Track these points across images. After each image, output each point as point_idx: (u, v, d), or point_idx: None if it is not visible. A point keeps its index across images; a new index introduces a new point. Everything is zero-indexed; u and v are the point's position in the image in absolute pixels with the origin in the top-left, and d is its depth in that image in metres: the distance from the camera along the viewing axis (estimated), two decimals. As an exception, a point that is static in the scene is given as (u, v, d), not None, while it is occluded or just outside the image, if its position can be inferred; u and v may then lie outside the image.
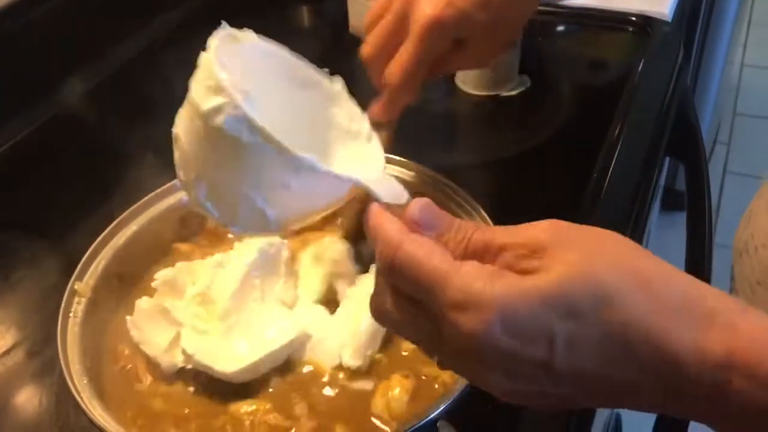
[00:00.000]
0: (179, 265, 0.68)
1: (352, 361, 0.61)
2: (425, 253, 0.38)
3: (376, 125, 0.56)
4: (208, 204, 0.45)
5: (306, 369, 0.63)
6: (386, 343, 0.63)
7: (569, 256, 0.36)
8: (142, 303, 0.64)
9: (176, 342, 0.62)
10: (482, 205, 0.67)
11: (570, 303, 0.35)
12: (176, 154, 0.46)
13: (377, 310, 0.42)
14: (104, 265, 0.66)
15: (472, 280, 0.37)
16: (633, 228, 0.77)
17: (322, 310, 0.66)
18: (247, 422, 0.59)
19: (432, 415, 0.53)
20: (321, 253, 0.67)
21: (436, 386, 0.60)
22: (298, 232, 0.70)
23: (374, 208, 0.42)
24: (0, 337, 0.71)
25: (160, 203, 0.71)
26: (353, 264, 0.66)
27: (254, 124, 0.41)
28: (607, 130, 0.86)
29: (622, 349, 0.35)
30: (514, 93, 0.97)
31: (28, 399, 0.66)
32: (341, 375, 0.62)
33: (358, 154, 0.50)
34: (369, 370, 0.62)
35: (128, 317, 0.64)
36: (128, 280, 0.69)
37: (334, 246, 0.67)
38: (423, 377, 0.61)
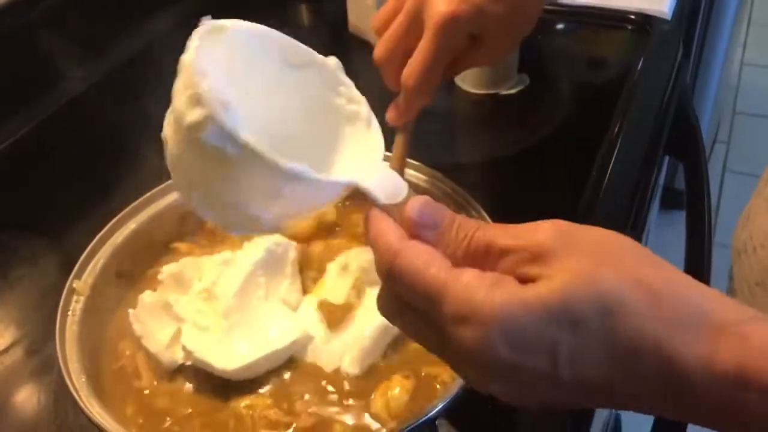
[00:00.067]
0: (186, 259, 0.68)
1: (351, 368, 0.61)
2: (423, 262, 0.38)
3: (393, 129, 0.55)
4: (200, 208, 0.44)
5: (307, 366, 0.62)
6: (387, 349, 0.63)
7: (573, 263, 0.35)
8: (146, 297, 0.64)
9: (177, 338, 0.62)
10: (481, 204, 0.67)
11: (573, 313, 0.34)
12: (167, 158, 0.45)
13: (383, 310, 0.42)
14: (103, 263, 0.66)
15: (472, 291, 0.36)
16: (632, 227, 0.77)
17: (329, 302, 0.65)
18: (248, 417, 0.59)
19: (431, 414, 0.53)
20: (348, 263, 0.67)
21: (437, 386, 0.60)
22: (323, 239, 0.71)
23: (373, 215, 0.41)
24: (-1, 335, 0.71)
25: (159, 201, 0.71)
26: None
27: (237, 138, 0.39)
28: (607, 128, 0.86)
29: (627, 360, 0.35)
30: (513, 91, 0.97)
31: (26, 397, 0.66)
32: (341, 373, 0.62)
33: (356, 141, 0.48)
34: (369, 369, 0.61)
35: (131, 311, 0.64)
36: (127, 278, 0.69)
37: (361, 255, 0.66)
38: (423, 377, 0.60)
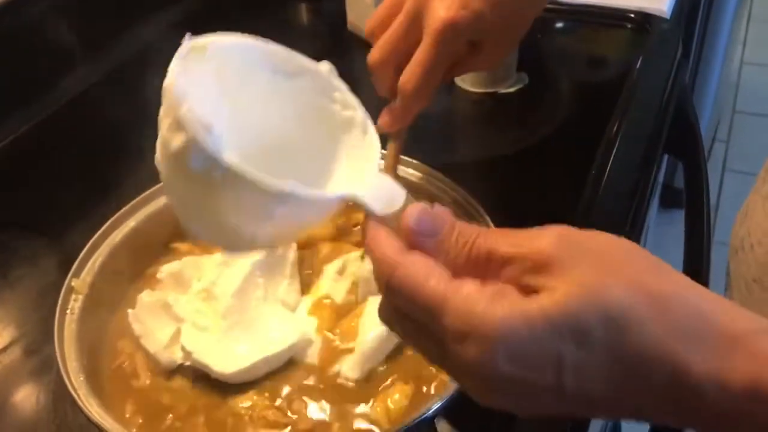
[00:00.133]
0: (186, 259, 0.67)
1: (350, 372, 0.61)
2: (422, 275, 0.37)
3: (386, 135, 0.54)
4: (196, 231, 0.44)
5: (306, 368, 0.62)
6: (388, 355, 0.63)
7: (577, 273, 0.34)
8: (145, 296, 0.64)
9: (176, 338, 0.62)
10: (480, 203, 0.67)
11: (578, 327, 0.33)
12: (161, 178, 0.44)
13: (384, 320, 0.41)
14: (101, 261, 0.66)
15: (472, 304, 0.35)
16: (631, 225, 0.77)
17: (329, 313, 0.65)
18: (246, 417, 0.59)
19: (429, 413, 0.53)
20: (346, 266, 0.66)
21: (435, 388, 0.60)
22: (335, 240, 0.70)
23: (370, 226, 0.40)
24: (-2, 334, 0.71)
25: (159, 200, 0.71)
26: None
27: (221, 162, 0.38)
28: (606, 127, 0.86)
29: (634, 375, 0.34)
30: (512, 90, 0.97)
31: (25, 397, 0.66)
32: (341, 376, 0.61)
33: (353, 149, 0.47)
34: (369, 374, 0.61)
35: (130, 310, 0.64)
36: (126, 276, 0.69)
37: (358, 262, 0.66)
38: (423, 383, 0.60)
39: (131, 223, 0.69)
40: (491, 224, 0.65)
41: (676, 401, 0.34)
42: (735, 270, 0.69)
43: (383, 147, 0.49)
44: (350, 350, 0.61)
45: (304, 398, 0.60)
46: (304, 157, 0.47)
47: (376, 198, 0.42)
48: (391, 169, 0.57)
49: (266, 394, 0.60)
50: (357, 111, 0.47)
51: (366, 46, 0.62)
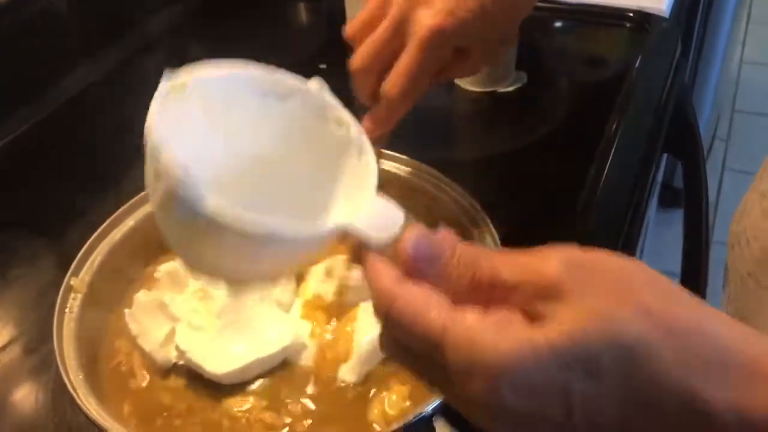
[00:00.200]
0: None
1: (347, 375, 0.61)
2: (422, 307, 0.35)
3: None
4: (191, 267, 0.43)
5: (302, 370, 0.62)
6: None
7: (586, 301, 0.33)
8: (141, 296, 0.64)
9: (172, 337, 0.62)
10: (479, 201, 0.67)
11: (587, 357, 0.32)
12: (156, 219, 0.44)
13: (385, 351, 0.40)
14: (100, 260, 0.66)
15: (475, 336, 0.33)
16: (630, 225, 0.77)
17: (323, 317, 0.65)
18: (243, 420, 0.59)
19: (427, 411, 0.53)
20: (334, 267, 0.66)
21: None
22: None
23: (368, 257, 0.39)
24: (-3, 334, 0.71)
25: (157, 200, 0.71)
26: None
27: (202, 212, 0.37)
28: (605, 126, 0.86)
29: (648, 405, 0.32)
30: (511, 89, 0.97)
31: (24, 396, 0.66)
32: (338, 380, 0.61)
33: (349, 172, 0.46)
34: (366, 377, 0.61)
35: (126, 310, 0.64)
36: (124, 275, 0.69)
37: (345, 265, 0.65)
38: (420, 384, 0.59)
39: (130, 222, 0.69)
40: (490, 224, 0.65)
41: (692, 429, 0.32)
42: (731, 265, 0.69)
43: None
44: (346, 354, 0.61)
45: (302, 401, 0.60)
46: (300, 183, 0.46)
47: (373, 226, 0.40)
48: None
49: (263, 396, 0.60)
50: (351, 128, 0.46)
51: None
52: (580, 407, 0.33)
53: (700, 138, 1.02)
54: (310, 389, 0.61)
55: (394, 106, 0.58)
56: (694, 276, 0.99)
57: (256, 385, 0.61)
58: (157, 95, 0.41)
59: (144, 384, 0.62)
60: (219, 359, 0.60)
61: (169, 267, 0.66)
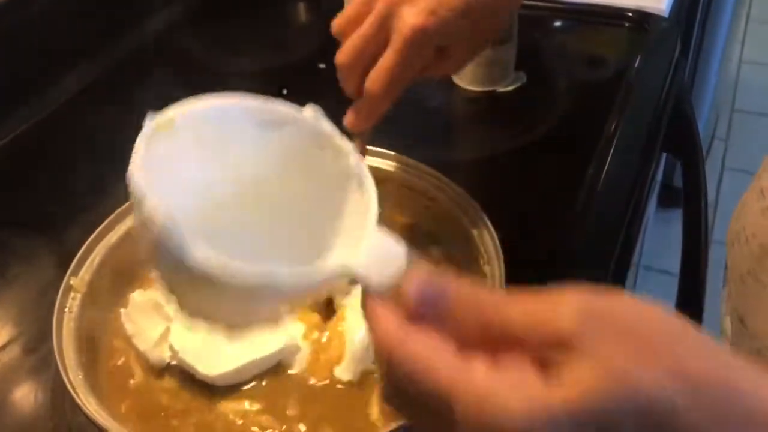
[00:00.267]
0: None
1: (343, 375, 0.60)
2: (428, 357, 0.33)
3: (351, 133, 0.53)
4: (188, 312, 0.42)
5: (299, 372, 0.62)
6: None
7: (604, 356, 0.31)
8: (137, 296, 0.64)
9: (166, 337, 0.62)
10: (478, 201, 0.67)
11: (607, 419, 0.30)
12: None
13: (388, 403, 0.38)
14: (99, 260, 0.66)
15: (487, 397, 0.31)
16: (629, 224, 0.77)
17: (316, 318, 0.65)
18: (239, 422, 0.59)
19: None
20: None
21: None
22: None
23: (368, 300, 0.37)
24: (-4, 333, 0.71)
25: (157, 199, 0.71)
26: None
27: (189, 263, 0.36)
28: (604, 126, 0.86)
29: None
30: (510, 89, 0.97)
31: (24, 394, 0.66)
32: (335, 379, 0.61)
33: (348, 205, 0.44)
34: (363, 375, 0.61)
35: (122, 310, 0.64)
36: (124, 275, 0.69)
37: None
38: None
39: (129, 222, 0.69)
40: (489, 224, 0.65)
41: None
42: (731, 262, 0.70)
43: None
44: (340, 354, 0.61)
45: (298, 401, 0.60)
46: (299, 215, 0.45)
47: (373, 268, 0.38)
48: None
49: (258, 400, 0.60)
50: (349, 156, 0.44)
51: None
52: None
53: (699, 137, 1.02)
54: (307, 391, 0.61)
55: (376, 102, 0.59)
56: (693, 275, 0.99)
57: (250, 387, 0.61)
58: (141, 136, 0.40)
59: (142, 384, 0.62)
60: (212, 361, 0.60)
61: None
